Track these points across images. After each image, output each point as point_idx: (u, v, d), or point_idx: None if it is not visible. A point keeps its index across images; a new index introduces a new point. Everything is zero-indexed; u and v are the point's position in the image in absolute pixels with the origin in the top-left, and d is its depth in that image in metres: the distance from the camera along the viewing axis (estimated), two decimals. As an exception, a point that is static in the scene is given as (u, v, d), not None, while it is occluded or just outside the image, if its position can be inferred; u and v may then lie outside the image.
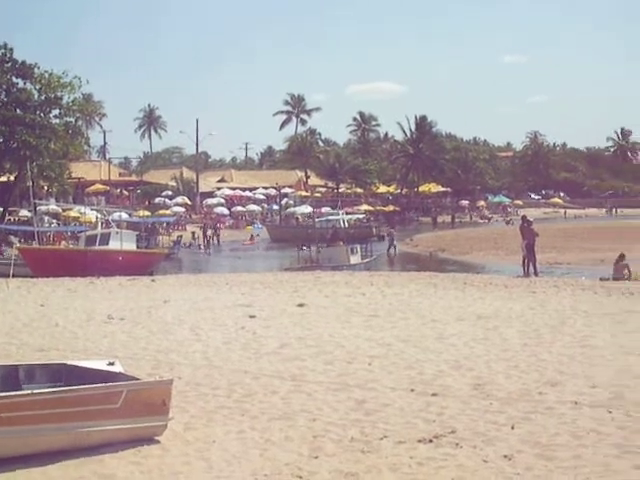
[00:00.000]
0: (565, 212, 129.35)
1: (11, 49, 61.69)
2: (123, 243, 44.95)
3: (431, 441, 9.74)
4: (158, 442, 9.79)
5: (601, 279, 30.90)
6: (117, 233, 46.71)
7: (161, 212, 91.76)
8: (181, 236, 73.10)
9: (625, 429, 9.99)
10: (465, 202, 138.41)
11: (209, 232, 79.28)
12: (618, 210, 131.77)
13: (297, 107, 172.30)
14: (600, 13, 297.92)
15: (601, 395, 11.68)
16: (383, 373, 13.56)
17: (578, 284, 27.94)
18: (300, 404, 11.65)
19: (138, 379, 10.41)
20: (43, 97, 62.43)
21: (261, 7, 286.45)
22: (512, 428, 10.13)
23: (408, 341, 16.42)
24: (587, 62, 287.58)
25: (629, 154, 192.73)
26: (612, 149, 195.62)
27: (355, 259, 49.59)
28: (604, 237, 66.99)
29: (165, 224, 79.35)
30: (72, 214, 73.43)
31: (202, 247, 73.99)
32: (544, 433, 9.92)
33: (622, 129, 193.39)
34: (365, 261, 50.56)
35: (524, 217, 39.92)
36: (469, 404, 11.37)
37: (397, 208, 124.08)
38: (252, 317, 20.24)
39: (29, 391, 9.47)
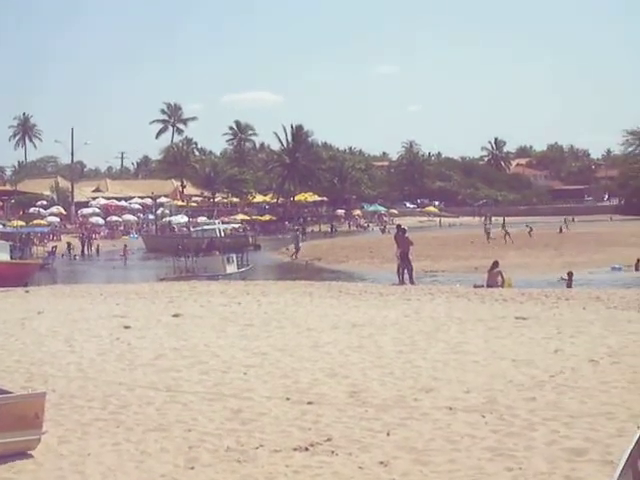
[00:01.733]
0: (440, 220, 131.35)
1: None
2: (-4, 254, 44.02)
3: (307, 449, 9.71)
4: (31, 456, 9.55)
5: (475, 286, 31.39)
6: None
7: (35, 222, 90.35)
8: (56, 246, 72.01)
9: (498, 432, 10.13)
10: (341, 211, 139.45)
11: (85, 242, 78.38)
12: (493, 218, 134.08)
13: (173, 116, 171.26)
14: (473, 25, 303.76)
15: (475, 400, 11.83)
16: (259, 382, 13.49)
17: (452, 291, 28.29)
18: (175, 415, 11.51)
19: (10, 392, 10.16)
20: None
21: (137, 15, 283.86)
22: (387, 434, 10.18)
23: (284, 350, 16.38)
24: (460, 73, 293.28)
25: (502, 163, 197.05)
26: (486, 158, 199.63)
27: (231, 268, 49.66)
28: (478, 245, 68.23)
29: (39, 234, 78.02)
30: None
31: (77, 257, 72.98)
32: (419, 439, 9.98)
33: (496, 139, 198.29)
34: (241, 270, 50.61)
35: (399, 226, 40.41)
36: (345, 412, 11.38)
37: (273, 217, 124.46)
38: (127, 328, 19.96)
39: None
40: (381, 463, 9.11)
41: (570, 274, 36.67)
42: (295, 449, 9.71)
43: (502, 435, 10.01)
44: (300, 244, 65.03)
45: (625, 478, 6.01)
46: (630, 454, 6.33)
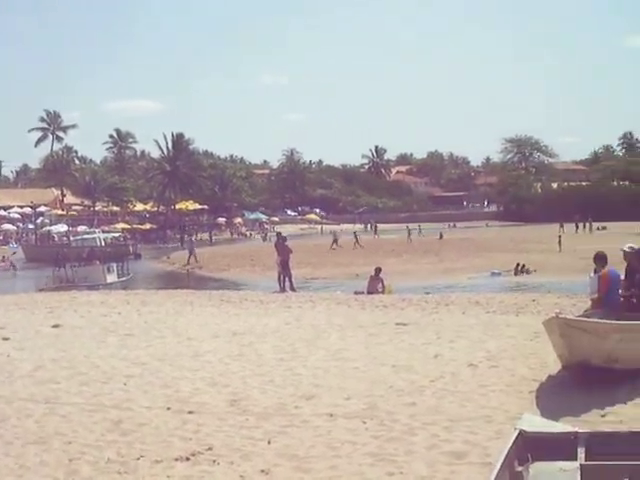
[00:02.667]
0: (322, 228, 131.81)
1: None
2: None
3: (188, 459, 9.65)
4: None
5: (356, 293, 31.59)
6: None
7: None
8: None
9: (379, 438, 10.20)
10: (222, 219, 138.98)
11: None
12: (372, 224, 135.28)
13: (53, 124, 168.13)
14: (354, 34, 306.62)
15: (355, 406, 11.89)
16: (139, 392, 13.34)
17: (333, 298, 28.42)
18: (55, 427, 11.32)
19: None
20: None
21: (14, 21, 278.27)
22: (269, 443, 10.16)
23: (164, 359, 16.22)
24: (342, 82, 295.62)
25: (383, 171, 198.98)
26: (367, 166, 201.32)
27: (111, 278, 49.13)
28: (359, 252, 68.69)
29: None
30: None
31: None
32: (300, 446, 9.99)
33: (377, 147, 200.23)
34: (122, 280, 50.07)
35: (279, 234, 40.52)
36: (225, 420, 11.33)
37: (154, 226, 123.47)
38: (6, 339, 19.51)
39: None
40: (262, 471, 9.10)
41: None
42: (176, 459, 9.64)
43: (383, 440, 10.09)
44: (195, 250, 65.23)
45: (502, 479, 6.12)
46: (506, 455, 6.45)
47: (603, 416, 11.03)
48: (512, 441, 6.82)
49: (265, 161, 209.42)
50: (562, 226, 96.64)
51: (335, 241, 78.37)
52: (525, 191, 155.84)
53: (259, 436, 10.46)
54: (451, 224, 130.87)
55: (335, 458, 9.48)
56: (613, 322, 13.71)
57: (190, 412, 11.85)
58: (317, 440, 10.20)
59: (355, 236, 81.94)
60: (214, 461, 9.52)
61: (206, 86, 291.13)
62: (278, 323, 21.28)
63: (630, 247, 16.86)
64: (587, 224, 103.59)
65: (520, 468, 6.50)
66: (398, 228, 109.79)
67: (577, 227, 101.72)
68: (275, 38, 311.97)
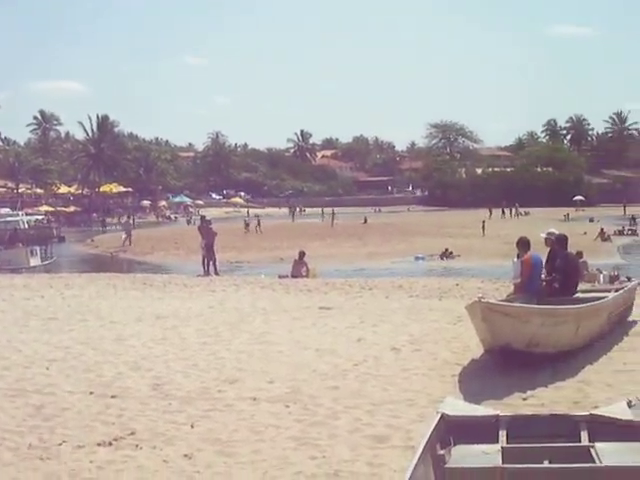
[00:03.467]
0: (248, 211, 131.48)
1: None
2: None
3: (111, 444, 9.55)
4: None
5: (280, 276, 31.59)
6: None
7: None
8: None
9: (302, 422, 10.21)
10: (147, 202, 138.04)
11: None
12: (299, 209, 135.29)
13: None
14: (279, 14, 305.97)
15: (279, 390, 11.89)
16: (61, 377, 13.18)
17: (257, 282, 28.39)
18: (-26, 413, 11.14)
19: None
20: None
21: None
22: (192, 427, 10.11)
23: (87, 343, 16.04)
24: (267, 64, 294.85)
25: (308, 155, 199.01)
26: (292, 150, 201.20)
27: (35, 261, 48.60)
28: (284, 236, 68.71)
29: None
30: None
31: None
32: (224, 430, 9.96)
33: (302, 131, 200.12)
34: (45, 263, 49.53)
35: (203, 217, 40.43)
36: (148, 405, 11.25)
37: (78, 209, 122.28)
38: None
39: None
40: (185, 456, 9.05)
41: None
42: (99, 444, 9.54)
43: (306, 424, 10.10)
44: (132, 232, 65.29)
45: (424, 462, 6.16)
46: (429, 439, 6.49)
47: (525, 399, 11.15)
48: (434, 424, 6.86)
49: (190, 144, 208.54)
50: (491, 211, 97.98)
51: (247, 225, 79.05)
52: (450, 176, 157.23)
53: (182, 420, 10.41)
54: (376, 209, 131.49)
55: (258, 442, 9.47)
56: (535, 307, 13.90)
57: (113, 396, 11.75)
58: (240, 424, 10.18)
59: (257, 221, 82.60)
60: (137, 446, 9.45)
61: (131, 68, 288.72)
62: (202, 307, 21.20)
63: (550, 232, 17.11)
64: (513, 209, 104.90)
65: (442, 451, 6.54)
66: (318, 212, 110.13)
67: (503, 212, 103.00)
68: (199, 19, 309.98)
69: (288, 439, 9.54)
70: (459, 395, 11.10)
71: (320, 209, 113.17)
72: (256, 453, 9.11)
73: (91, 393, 12.01)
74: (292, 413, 10.64)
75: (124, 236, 65.84)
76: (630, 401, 7.40)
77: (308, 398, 11.35)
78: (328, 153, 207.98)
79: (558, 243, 16.53)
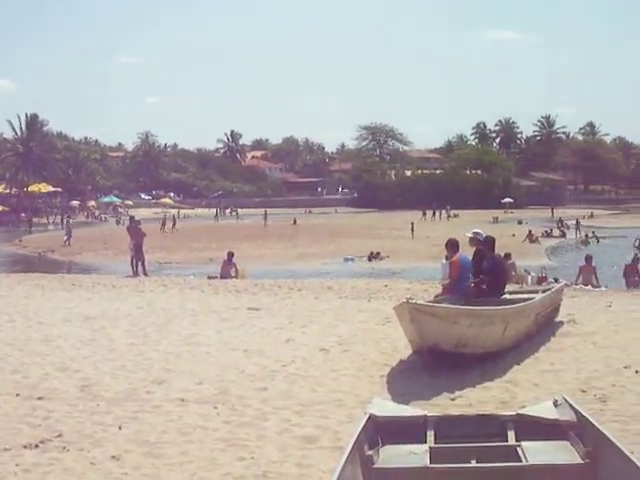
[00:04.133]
0: (178, 212, 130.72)
1: None
2: None
3: (37, 446, 9.43)
4: None
5: (209, 277, 31.52)
6: None
7: None
8: None
9: (230, 423, 10.19)
10: (76, 202, 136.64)
11: None
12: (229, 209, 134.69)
13: None
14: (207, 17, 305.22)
15: (207, 391, 11.86)
16: (-13, 378, 13.02)
17: (186, 283, 28.31)
18: None
19: None
20: None
21: None
22: (119, 428, 10.04)
23: (13, 344, 15.84)
24: (198, 64, 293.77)
25: (238, 156, 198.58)
26: (222, 151, 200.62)
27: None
28: (213, 236, 68.46)
29: None
30: None
31: None
32: (152, 431, 9.90)
33: (232, 131, 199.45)
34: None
35: (132, 218, 40.13)
36: (76, 406, 11.14)
37: (7, 208, 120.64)
38: None
39: None
40: (113, 457, 8.98)
41: None
42: (25, 446, 9.42)
43: (234, 425, 10.08)
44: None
45: (352, 462, 6.18)
46: (356, 439, 6.51)
47: (453, 400, 11.25)
48: (362, 425, 6.88)
49: (120, 144, 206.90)
50: (425, 213, 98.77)
51: (163, 224, 79.02)
52: (379, 178, 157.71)
53: (110, 422, 10.33)
54: (306, 210, 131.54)
55: (186, 443, 9.43)
56: (462, 307, 14.02)
57: (40, 398, 11.61)
58: (168, 425, 10.13)
59: (173, 220, 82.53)
60: (64, 448, 9.35)
61: (61, 66, 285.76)
62: (130, 307, 21.07)
63: (475, 233, 17.26)
64: (443, 211, 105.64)
65: (370, 452, 6.56)
66: (252, 213, 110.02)
67: (434, 214, 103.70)
68: (132, 18, 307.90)
69: (216, 440, 9.51)
70: (387, 396, 11.17)
71: (253, 210, 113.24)
72: (184, 454, 9.06)
73: (17, 395, 11.86)
74: (220, 414, 10.61)
75: (65, 237, 65.13)
76: (556, 400, 7.49)
77: (236, 399, 11.33)
78: (258, 154, 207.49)
79: (486, 245, 16.69)
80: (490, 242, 16.78)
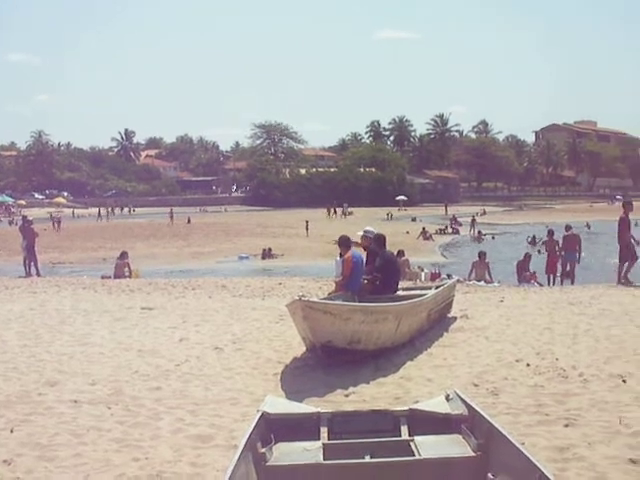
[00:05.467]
0: (74, 211, 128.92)
1: None
2: None
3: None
4: None
5: (102, 277, 31.24)
6: None
7: None
8: None
9: (124, 424, 10.11)
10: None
11: None
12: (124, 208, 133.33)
13: None
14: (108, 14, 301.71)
15: (101, 392, 11.74)
16: None
17: (79, 283, 27.96)
18: None
19: None
20: None
21: None
22: (11, 431, 9.88)
23: None
24: (86, 63, 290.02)
25: (132, 154, 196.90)
26: (116, 149, 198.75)
27: None
28: (107, 236, 67.80)
29: None
30: None
31: None
32: (44, 434, 9.77)
33: (126, 130, 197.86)
34: None
35: (24, 217, 39.56)
36: (-35, 410, 10.95)
37: None
38: None
39: None
40: (5, 461, 8.83)
41: None
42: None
43: (128, 426, 10.01)
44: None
45: (245, 461, 6.20)
46: (249, 437, 6.54)
47: (347, 396, 11.35)
48: (255, 423, 6.91)
49: (13, 142, 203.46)
50: (329, 210, 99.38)
51: (56, 224, 78.55)
52: (274, 177, 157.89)
53: (1, 425, 10.15)
54: (201, 208, 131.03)
55: (80, 445, 9.33)
56: (355, 304, 14.15)
57: None
58: (61, 427, 10.01)
59: (58, 220, 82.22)
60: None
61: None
62: (22, 308, 20.72)
63: (367, 231, 17.44)
64: (340, 209, 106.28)
65: (263, 449, 6.58)
66: (147, 212, 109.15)
67: (329, 212, 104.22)
68: (24, 14, 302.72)
69: (110, 441, 9.44)
70: (281, 393, 11.24)
71: (147, 209, 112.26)
72: (77, 456, 8.97)
73: None
74: (114, 415, 10.53)
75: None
76: (448, 395, 7.62)
77: (130, 399, 11.26)
78: (152, 153, 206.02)
79: (376, 242, 16.84)
80: (380, 240, 16.92)
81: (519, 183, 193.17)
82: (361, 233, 17.47)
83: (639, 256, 25.83)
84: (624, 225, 25.08)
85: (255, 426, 6.83)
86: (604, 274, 31.86)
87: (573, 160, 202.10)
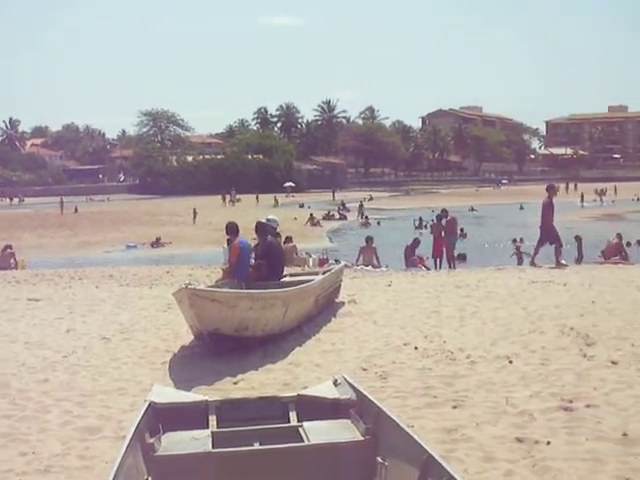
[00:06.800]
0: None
1: None
2: None
3: None
4: None
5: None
6: None
7: None
8: None
9: (10, 418, 9.94)
10: None
11: None
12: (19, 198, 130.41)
13: None
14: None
15: (-18, 386, 11.56)
16: None
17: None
18: None
19: None
20: None
21: None
22: None
23: None
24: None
25: (17, 143, 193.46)
26: (0, 138, 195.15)
27: None
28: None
29: None
30: None
31: None
32: None
33: (10, 119, 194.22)
34: None
35: None
36: None
37: None
38: None
39: None
40: None
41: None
42: None
43: (15, 420, 9.85)
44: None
45: (133, 451, 6.18)
46: (137, 427, 6.52)
47: (235, 383, 11.38)
48: (142, 413, 6.89)
49: None
50: (224, 197, 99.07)
51: None
52: (161, 164, 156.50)
53: None
54: (88, 197, 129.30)
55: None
56: (242, 291, 14.21)
57: None
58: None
59: None
60: None
61: None
62: None
63: (270, 220, 17.58)
64: (230, 196, 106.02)
65: (152, 439, 6.55)
66: (34, 202, 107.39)
67: (224, 199, 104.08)
68: None
69: (-7, 436, 9.31)
70: (170, 382, 11.24)
71: (33, 199, 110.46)
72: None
73: None
74: (0, 409, 10.37)
75: None
76: (336, 380, 7.70)
77: (17, 392, 11.09)
78: (38, 141, 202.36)
79: (257, 230, 16.94)
80: (260, 227, 16.99)
81: (406, 168, 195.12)
82: (263, 221, 17.52)
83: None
84: (548, 209, 25.55)
85: (143, 416, 6.80)
86: (495, 256, 32.49)
87: (459, 145, 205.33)
